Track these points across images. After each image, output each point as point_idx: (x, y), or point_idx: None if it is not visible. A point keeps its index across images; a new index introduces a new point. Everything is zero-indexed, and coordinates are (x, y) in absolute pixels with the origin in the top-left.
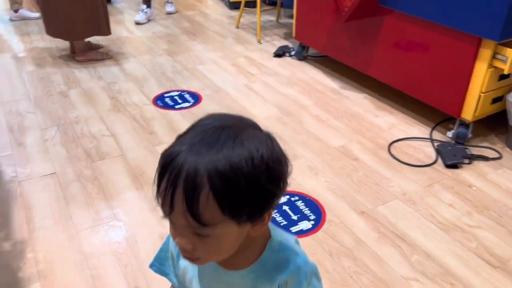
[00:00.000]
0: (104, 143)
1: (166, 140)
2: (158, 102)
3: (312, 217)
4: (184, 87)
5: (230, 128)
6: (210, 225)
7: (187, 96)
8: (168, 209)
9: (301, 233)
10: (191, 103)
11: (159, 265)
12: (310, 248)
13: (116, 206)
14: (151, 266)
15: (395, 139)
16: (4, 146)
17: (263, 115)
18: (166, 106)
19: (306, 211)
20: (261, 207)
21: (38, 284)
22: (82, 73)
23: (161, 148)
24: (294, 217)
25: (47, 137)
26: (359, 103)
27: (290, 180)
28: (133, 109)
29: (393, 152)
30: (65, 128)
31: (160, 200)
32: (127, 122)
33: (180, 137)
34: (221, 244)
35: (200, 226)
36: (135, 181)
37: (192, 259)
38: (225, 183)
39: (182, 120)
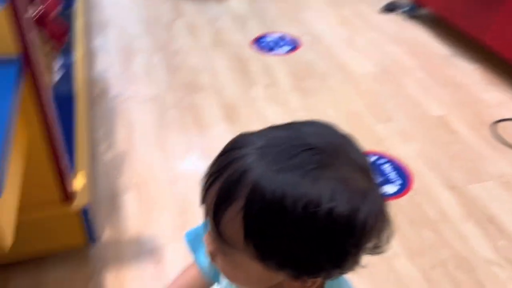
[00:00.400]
0: (202, 76)
1: (260, 82)
2: (257, 43)
3: (398, 182)
4: (284, 32)
5: (321, 154)
6: (229, 245)
7: (286, 41)
8: (202, 198)
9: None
10: (289, 49)
11: (194, 239)
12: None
13: (207, 138)
14: (187, 235)
15: (501, 118)
16: (112, 65)
17: (361, 71)
18: (263, 49)
19: (392, 175)
20: (298, 267)
21: (132, 194)
22: (189, 6)
23: (254, 91)
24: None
25: (152, 63)
26: (468, 73)
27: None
28: (232, 47)
29: (496, 131)
30: (169, 56)
31: (203, 181)
32: (225, 59)
33: (270, 128)
34: (236, 273)
35: (219, 238)
36: (227, 117)
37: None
38: (264, 213)
39: (278, 64)
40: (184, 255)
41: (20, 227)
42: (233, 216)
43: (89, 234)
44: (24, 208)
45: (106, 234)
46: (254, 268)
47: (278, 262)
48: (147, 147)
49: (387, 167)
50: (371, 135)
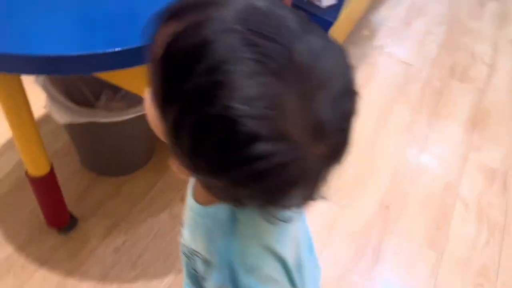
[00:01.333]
0: (476, 67)
1: None
2: None
3: None
4: None
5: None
6: (151, 59)
7: None
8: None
9: None
10: None
11: None
12: None
13: (435, 131)
14: None
15: None
16: (394, 17)
17: None
18: None
19: None
20: (172, 127)
21: None
22: None
23: None
24: None
25: (431, 31)
26: None
27: None
28: None
29: None
30: (454, 32)
31: None
32: None
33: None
34: (147, 107)
35: (150, 47)
36: (472, 123)
37: None
38: (185, 52)
39: None
40: None
41: None
42: (167, 32)
43: None
44: None
45: None
46: (150, 102)
47: (161, 104)
48: (371, 110)
49: None
50: None
